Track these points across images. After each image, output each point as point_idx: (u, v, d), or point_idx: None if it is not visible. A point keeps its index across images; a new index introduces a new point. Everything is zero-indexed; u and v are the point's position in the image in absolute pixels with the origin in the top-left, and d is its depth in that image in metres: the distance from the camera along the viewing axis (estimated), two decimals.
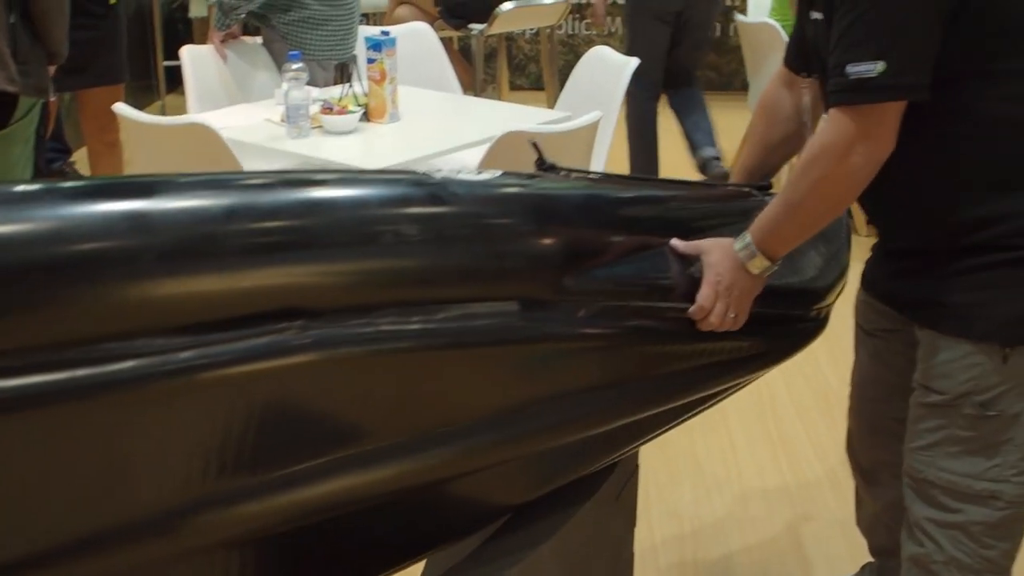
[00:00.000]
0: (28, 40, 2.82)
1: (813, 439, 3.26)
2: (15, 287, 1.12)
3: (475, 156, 3.04)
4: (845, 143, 1.64)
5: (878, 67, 1.58)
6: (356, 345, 1.35)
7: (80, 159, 4.98)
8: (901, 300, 1.90)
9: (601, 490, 1.84)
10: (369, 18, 6.65)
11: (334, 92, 3.54)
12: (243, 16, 4.01)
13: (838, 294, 2.02)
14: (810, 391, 3.53)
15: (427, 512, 1.59)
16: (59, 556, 1.22)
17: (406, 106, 3.48)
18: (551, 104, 5.31)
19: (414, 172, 1.52)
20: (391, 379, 1.42)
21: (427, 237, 1.40)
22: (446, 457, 1.52)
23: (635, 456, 2.03)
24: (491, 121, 3.41)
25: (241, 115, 3.50)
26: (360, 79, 3.43)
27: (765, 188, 2.04)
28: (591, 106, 3.40)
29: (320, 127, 3.29)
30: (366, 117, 3.38)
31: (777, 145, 2.08)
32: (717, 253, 1.74)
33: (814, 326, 2.00)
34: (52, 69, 3.01)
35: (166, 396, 1.23)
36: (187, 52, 3.92)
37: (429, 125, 3.48)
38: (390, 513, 1.53)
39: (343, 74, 3.96)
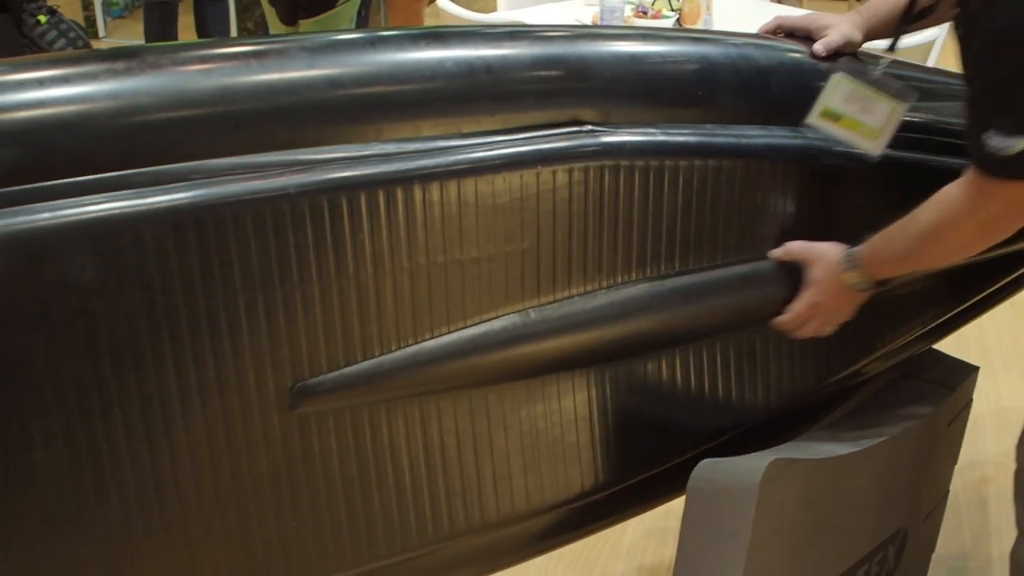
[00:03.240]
0: None
1: None
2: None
3: None
4: (972, 211, 1.43)
5: (1020, 144, 1.32)
6: (642, 156, 1.47)
7: None
8: None
9: (933, 413, 1.83)
10: None
11: None
12: None
13: None
14: None
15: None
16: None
17: (719, 11, 3.36)
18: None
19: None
20: (675, 196, 1.51)
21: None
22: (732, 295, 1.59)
23: (971, 387, 1.95)
24: None
25: (551, 15, 3.46)
26: None
27: None
28: None
29: None
30: (679, 23, 3.29)
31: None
32: (820, 271, 1.59)
33: None
34: None
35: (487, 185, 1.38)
36: None
37: None
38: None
39: None
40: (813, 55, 1.64)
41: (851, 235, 1.61)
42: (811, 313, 1.60)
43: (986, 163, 1.37)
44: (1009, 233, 1.46)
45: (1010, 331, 3.28)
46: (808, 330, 1.62)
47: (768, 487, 1.43)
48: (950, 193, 1.44)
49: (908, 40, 2.93)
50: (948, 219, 1.45)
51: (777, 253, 1.61)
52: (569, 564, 2.31)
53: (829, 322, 1.62)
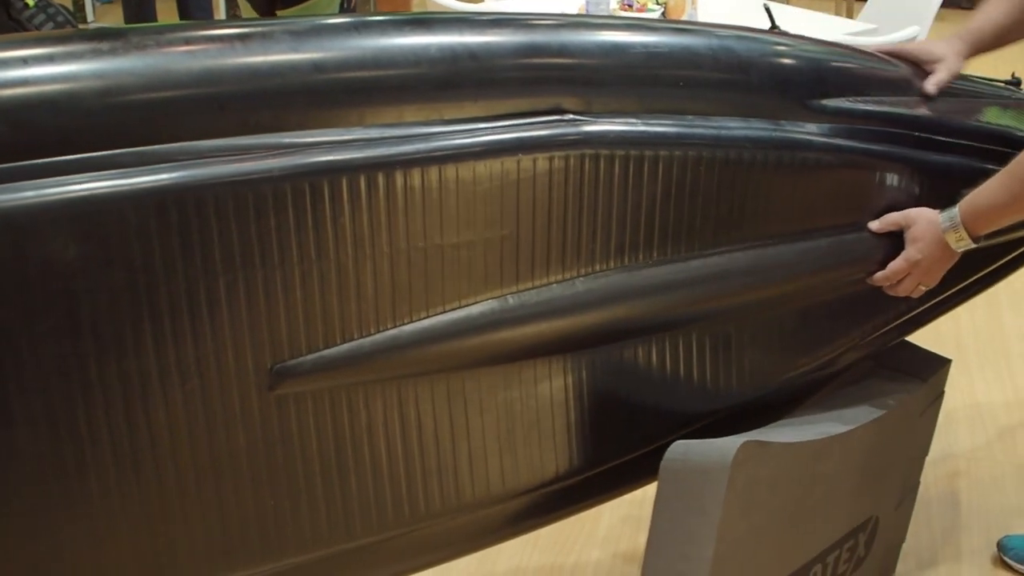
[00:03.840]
0: None
1: None
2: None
3: None
4: None
5: None
6: (622, 145, 1.49)
7: None
8: None
9: (904, 403, 1.87)
10: None
11: None
12: None
13: None
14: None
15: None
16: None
17: (704, 6, 3.38)
18: (838, 10, 5.21)
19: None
20: (655, 185, 1.53)
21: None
22: (707, 283, 1.60)
23: (943, 379, 1.97)
24: (792, 29, 3.27)
25: (538, 7, 3.47)
26: None
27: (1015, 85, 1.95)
28: (901, 19, 3.21)
29: None
30: (664, 16, 3.31)
31: None
32: (921, 227, 1.68)
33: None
34: None
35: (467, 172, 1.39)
36: None
37: None
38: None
39: None
40: (925, 95, 1.74)
41: (832, 227, 1.64)
42: (908, 270, 1.70)
43: None
44: None
45: (986, 328, 3.32)
46: (903, 288, 1.72)
47: (740, 468, 1.45)
48: None
49: (897, 36, 2.97)
50: None
51: (874, 226, 1.71)
52: (545, 549, 2.34)
53: (923, 281, 1.71)
